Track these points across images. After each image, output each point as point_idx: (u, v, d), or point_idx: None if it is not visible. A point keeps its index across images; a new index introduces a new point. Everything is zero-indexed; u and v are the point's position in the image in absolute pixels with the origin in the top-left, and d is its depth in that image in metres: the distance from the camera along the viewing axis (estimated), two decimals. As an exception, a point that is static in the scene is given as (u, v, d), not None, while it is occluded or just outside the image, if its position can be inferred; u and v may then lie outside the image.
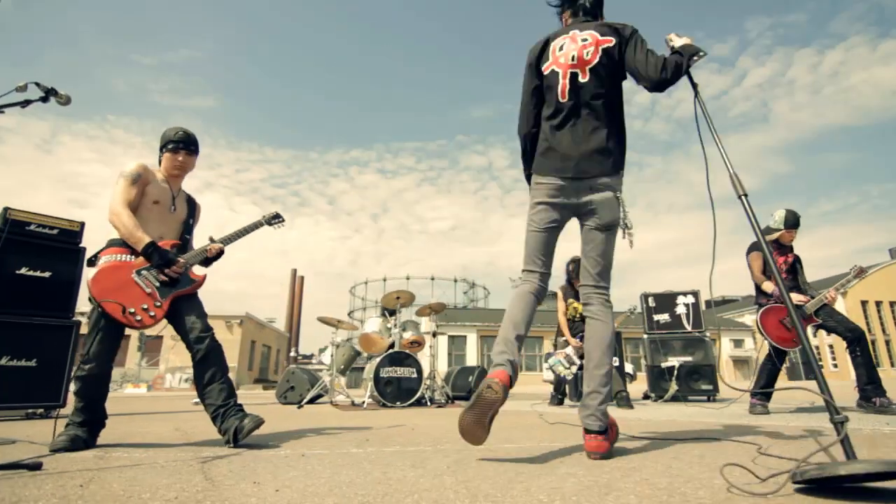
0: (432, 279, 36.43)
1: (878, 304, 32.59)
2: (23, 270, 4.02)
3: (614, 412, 4.06)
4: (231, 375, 2.26)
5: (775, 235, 3.93)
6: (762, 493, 1.07)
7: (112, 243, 2.19)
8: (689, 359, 5.73)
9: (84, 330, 2.66)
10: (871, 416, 3.18)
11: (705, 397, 5.63)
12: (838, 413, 1.17)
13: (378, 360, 4.98)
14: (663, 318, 6.18)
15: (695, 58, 1.73)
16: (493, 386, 1.58)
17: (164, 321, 2.23)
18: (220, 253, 2.41)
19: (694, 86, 1.77)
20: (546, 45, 2.00)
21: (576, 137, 1.86)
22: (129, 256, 2.17)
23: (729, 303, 44.25)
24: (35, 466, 1.48)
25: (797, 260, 3.98)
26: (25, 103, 1.73)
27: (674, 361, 5.75)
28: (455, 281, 38.02)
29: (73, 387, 2.18)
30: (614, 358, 5.96)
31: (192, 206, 2.51)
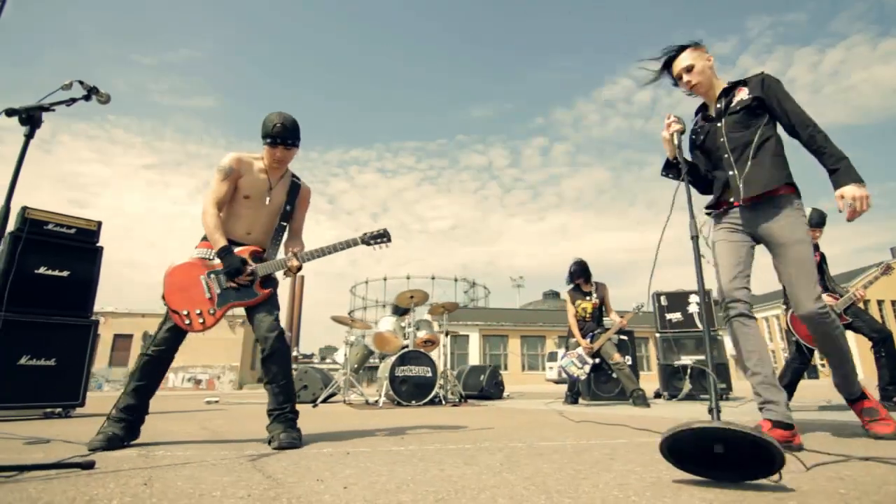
0: (433, 278, 36.35)
1: (879, 302, 32.65)
2: (41, 270, 4.01)
3: (632, 411, 4.06)
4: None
5: None
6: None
7: (206, 238, 2.24)
8: (702, 357, 5.74)
9: (101, 330, 2.66)
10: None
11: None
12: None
13: (393, 358, 4.98)
14: (675, 316, 6.17)
15: None
16: None
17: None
18: (298, 269, 2.27)
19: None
20: None
21: None
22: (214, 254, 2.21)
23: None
24: (88, 465, 1.48)
25: (823, 259, 3.97)
26: (70, 101, 1.72)
27: (687, 360, 5.76)
28: (455, 280, 37.90)
29: (126, 372, 2.21)
30: (627, 357, 5.99)
31: (294, 192, 2.41)
